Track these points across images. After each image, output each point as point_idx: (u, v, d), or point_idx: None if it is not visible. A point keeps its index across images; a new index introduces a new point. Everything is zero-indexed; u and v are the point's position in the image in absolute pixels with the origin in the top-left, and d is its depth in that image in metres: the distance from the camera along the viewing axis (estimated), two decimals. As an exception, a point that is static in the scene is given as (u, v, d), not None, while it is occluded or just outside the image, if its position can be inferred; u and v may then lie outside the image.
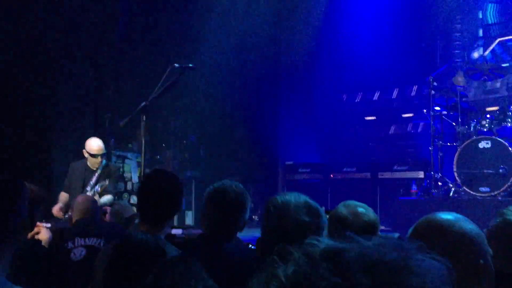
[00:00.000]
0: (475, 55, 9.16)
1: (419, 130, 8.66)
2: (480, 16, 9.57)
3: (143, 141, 4.04)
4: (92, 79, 7.68)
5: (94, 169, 5.33)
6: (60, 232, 3.68)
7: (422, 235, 1.36)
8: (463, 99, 6.63)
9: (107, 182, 5.16)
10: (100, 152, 5.32)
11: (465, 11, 9.32)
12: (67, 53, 7.24)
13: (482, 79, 6.62)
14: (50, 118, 7.06)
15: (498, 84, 7.77)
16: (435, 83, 6.59)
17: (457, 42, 9.35)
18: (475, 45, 9.16)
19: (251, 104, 8.93)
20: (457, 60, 6.79)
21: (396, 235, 2.52)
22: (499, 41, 8.46)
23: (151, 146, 7.45)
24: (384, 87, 9.47)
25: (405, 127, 9.06)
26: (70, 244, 3.36)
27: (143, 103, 3.95)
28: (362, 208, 2.10)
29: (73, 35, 7.20)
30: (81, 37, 7.29)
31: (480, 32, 9.61)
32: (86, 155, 5.34)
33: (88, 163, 5.36)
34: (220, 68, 8.60)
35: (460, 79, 6.52)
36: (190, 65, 4.14)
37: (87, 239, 3.36)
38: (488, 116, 6.32)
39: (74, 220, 3.75)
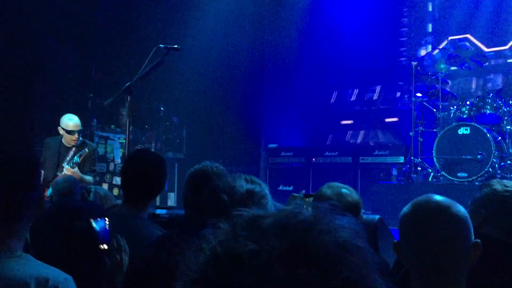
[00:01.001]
0: (422, 52, 9.15)
1: (400, 116, 8.78)
2: (430, 9, 9.44)
3: (128, 121, 4.02)
4: (74, 59, 7.58)
5: (70, 146, 5.16)
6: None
7: (421, 217, 1.41)
8: (444, 86, 6.73)
9: (85, 151, 5.03)
10: (76, 129, 5.12)
11: (412, 3, 9.18)
12: (50, 32, 7.13)
13: (464, 67, 6.71)
14: (32, 97, 6.98)
15: (473, 85, 7.89)
16: (417, 69, 6.68)
17: (404, 39, 9.40)
18: (423, 42, 9.19)
19: (235, 87, 8.92)
20: (440, 48, 6.87)
21: (377, 217, 2.60)
22: (450, 39, 8.53)
23: (134, 127, 7.42)
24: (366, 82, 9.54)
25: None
26: None
27: (128, 83, 3.93)
28: (345, 189, 2.15)
29: (56, 14, 7.09)
30: (64, 16, 7.18)
31: (430, 27, 9.48)
32: (61, 132, 5.15)
33: (63, 140, 5.17)
34: (204, 51, 8.55)
35: (442, 66, 6.60)
36: (176, 46, 4.13)
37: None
38: (468, 103, 6.44)
39: (53, 200, 3.71)
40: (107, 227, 1.68)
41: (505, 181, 2.27)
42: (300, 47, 9.32)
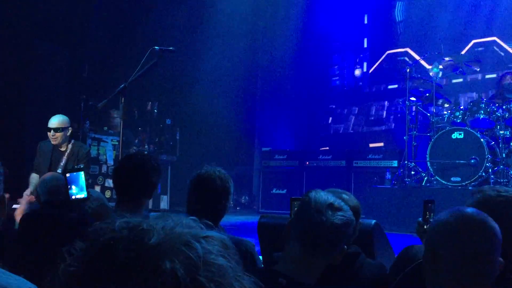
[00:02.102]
0: (357, 72, 9.15)
1: (394, 120, 8.80)
2: (366, 22, 9.37)
3: (121, 123, 3.99)
4: (67, 61, 7.53)
5: (63, 148, 5.05)
6: (23, 219, 3.52)
7: (464, 228, 1.47)
8: (438, 90, 6.74)
9: (81, 166, 4.95)
10: (54, 126, 4.96)
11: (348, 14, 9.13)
12: (41, 33, 7.07)
13: (458, 72, 6.73)
14: (24, 99, 6.92)
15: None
16: (412, 73, 6.70)
17: (336, 55, 9.41)
18: (357, 60, 9.19)
19: (229, 90, 8.91)
20: (433, 52, 6.88)
21: (373, 221, 2.59)
22: (388, 54, 8.55)
23: (127, 129, 7.37)
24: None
25: (381, 117, 9.20)
26: None
27: (122, 85, 3.90)
28: (345, 195, 2.15)
29: (48, 15, 7.03)
30: (56, 17, 7.12)
31: (365, 42, 9.41)
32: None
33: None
34: (198, 53, 8.54)
35: (435, 70, 6.61)
36: (170, 48, 4.10)
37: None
38: (461, 107, 6.46)
39: (41, 201, 3.62)
40: None
41: (497, 187, 2.29)
42: (294, 51, 9.32)
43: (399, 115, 8.24)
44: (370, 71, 9.45)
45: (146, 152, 7.92)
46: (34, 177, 5.03)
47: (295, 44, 9.27)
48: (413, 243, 2.50)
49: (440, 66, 6.53)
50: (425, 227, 2.16)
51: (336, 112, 9.87)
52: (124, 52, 7.36)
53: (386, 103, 9.44)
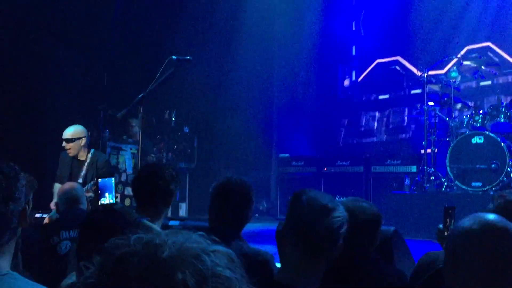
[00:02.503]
0: (346, 82, 9.04)
1: (413, 124, 8.73)
2: (354, 28, 9.26)
3: (141, 133, 4.04)
4: (86, 70, 7.64)
5: (82, 158, 5.10)
6: (44, 227, 3.58)
7: (489, 235, 1.48)
8: (457, 95, 6.68)
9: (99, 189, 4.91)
10: (65, 137, 4.99)
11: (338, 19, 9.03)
12: (61, 43, 7.20)
13: (476, 76, 6.66)
14: (44, 108, 7.03)
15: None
16: (430, 78, 6.65)
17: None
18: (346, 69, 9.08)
19: (246, 97, 8.94)
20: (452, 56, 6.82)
21: (392, 228, 2.58)
22: (378, 63, 8.43)
23: (145, 137, 7.44)
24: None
25: (400, 121, 9.12)
26: (55, 239, 3.28)
27: (141, 95, 3.95)
28: (366, 203, 2.16)
29: (68, 24, 7.16)
30: (76, 27, 7.25)
31: (354, 50, 9.27)
32: None
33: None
34: (215, 61, 8.60)
35: (454, 75, 6.56)
36: (187, 57, 4.14)
37: (71, 231, 3.26)
38: (481, 111, 6.39)
39: (59, 210, 3.66)
40: None
41: None
42: (310, 57, 9.32)
43: (420, 120, 8.14)
44: (359, 79, 9.41)
45: (164, 161, 7.99)
46: (57, 187, 5.09)
47: (311, 50, 9.27)
48: (433, 249, 2.48)
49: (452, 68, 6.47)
50: (446, 233, 2.15)
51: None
52: (143, 61, 7.45)
53: (377, 113, 9.42)
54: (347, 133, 9.66)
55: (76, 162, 5.14)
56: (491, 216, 1.53)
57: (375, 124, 9.29)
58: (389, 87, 9.17)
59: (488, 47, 6.96)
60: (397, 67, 8.79)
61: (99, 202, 3.19)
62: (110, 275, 0.64)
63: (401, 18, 8.58)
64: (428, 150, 6.67)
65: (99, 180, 3.04)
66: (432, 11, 8.23)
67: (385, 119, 9.20)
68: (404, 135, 9.02)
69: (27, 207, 1.52)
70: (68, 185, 3.77)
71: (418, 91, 8.63)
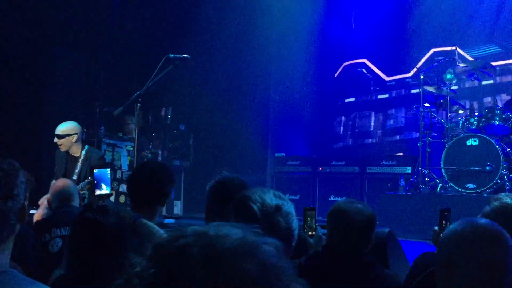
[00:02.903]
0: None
1: (408, 126, 8.76)
2: (353, 27, 9.37)
3: (137, 130, 4.03)
4: (83, 67, 7.63)
5: (74, 154, 5.08)
6: (36, 225, 3.56)
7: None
8: (452, 97, 6.71)
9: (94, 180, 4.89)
10: (56, 133, 4.97)
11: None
12: (59, 39, 7.18)
13: (472, 78, 6.69)
14: (40, 105, 7.01)
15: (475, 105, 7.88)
16: (426, 80, 6.68)
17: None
18: None
19: (242, 95, 8.94)
20: (448, 58, 6.86)
21: (387, 230, 2.58)
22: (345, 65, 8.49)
23: (141, 135, 7.43)
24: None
25: (395, 123, 9.16)
26: (47, 237, 3.25)
27: (138, 92, 3.95)
28: (360, 204, 2.17)
29: (65, 22, 7.13)
30: (73, 24, 7.23)
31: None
32: None
33: (70, 150, 5.08)
34: (212, 59, 8.59)
35: (450, 77, 6.58)
36: (185, 55, 4.14)
37: (62, 229, 3.24)
38: (476, 114, 6.42)
39: (52, 207, 3.63)
40: None
41: None
42: (307, 57, 9.33)
43: (415, 121, 8.20)
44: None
45: (160, 158, 7.98)
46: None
47: (308, 50, 9.29)
48: (428, 250, 2.49)
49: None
50: (441, 235, 2.17)
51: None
52: (140, 59, 7.44)
53: (343, 118, 9.52)
54: (344, 133, 9.70)
55: (70, 159, 5.13)
56: (483, 221, 1.55)
57: (372, 124, 9.34)
58: (356, 90, 9.32)
59: (455, 51, 7.05)
60: (364, 70, 8.93)
61: (95, 193, 3.19)
62: (170, 267, 0.65)
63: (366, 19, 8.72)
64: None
65: (95, 170, 3.04)
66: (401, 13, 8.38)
67: (381, 118, 9.24)
68: (399, 136, 9.06)
69: (26, 204, 1.51)
70: (61, 182, 3.73)
71: (385, 95, 8.76)
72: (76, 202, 3.61)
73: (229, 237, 0.67)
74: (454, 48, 6.97)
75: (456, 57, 6.86)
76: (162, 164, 2.82)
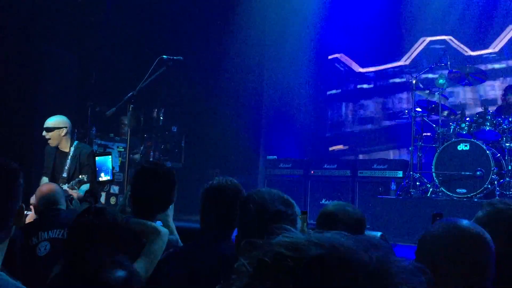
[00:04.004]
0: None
1: (400, 130, 8.80)
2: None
3: (129, 131, 4.02)
4: (75, 67, 7.59)
5: (65, 150, 5.01)
6: (24, 228, 3.51)
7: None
8: (444, 102, 6.75)
9: (85, 178, 4.85)
10: (45, 125, 4.90)
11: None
12: (51, 39, 7.14)
13: (464, 83, 6.74)
14: (31, 105, 6.97)
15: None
16: (419, 85, 6.71)
17: None
18: None
19: (234, 97, 8.94)
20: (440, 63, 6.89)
21: (379, 234, 2.59)
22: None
23: (133, 135, 7.40)
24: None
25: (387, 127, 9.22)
26: (34, 240, 3.21)
27: (131, 93, 3.93)
28: (349, 207, 2.17)
29: (57, 21, 7.10)
30: (66, 23, 7.19)
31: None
32: None
33: (59, 147, 5.04)
34: (204, 61, 8.58)
35: (441, 82, 6.62)
36: (178, 57, 4.14)
37: (50, 232, 3.19)
38: (467, 119, 6.46)
39: (38, 210, 3.58)
40: None
41: (507, 200, 2.33)
42: (300, 57, 9.35)
43: (407, 125, 8.25)
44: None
45: (151, 159, 7.95)
46: (43, 181, 5.02)
47: (301, 52, 9.31)
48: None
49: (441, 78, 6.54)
50: (421, 237, 2.18)
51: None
52: (132, 59, 7.42)
53: (329, 112, 9.65)
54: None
55: (59, 154, 5.05)
56: (464, 222, 1.56)
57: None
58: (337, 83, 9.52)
59: (447, 41, 7.19)
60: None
61: (97, 179, 3.17)
62: (308, 278, 0.60)
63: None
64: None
65: (96, 158, 3.03)
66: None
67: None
68: (391, 141, 9.10)
69: (23, 206, 1.51)
70: (46, 187, 3.65)
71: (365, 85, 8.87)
72: (62, 205, 3.55)
73: (364, 254, 0.62)
74: (448, 37, 7.03)
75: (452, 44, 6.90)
76: (168, 168, 2.74)
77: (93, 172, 5.05)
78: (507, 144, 6.12)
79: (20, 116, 6.74)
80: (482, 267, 1.47)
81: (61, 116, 5.05)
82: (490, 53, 8.26)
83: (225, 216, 2.23)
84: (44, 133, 4.93)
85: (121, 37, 7.93)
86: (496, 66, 8.22)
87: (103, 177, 2.90)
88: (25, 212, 3.71)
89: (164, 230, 2.45)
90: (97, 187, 2.98)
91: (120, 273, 1.75)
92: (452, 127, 6.49)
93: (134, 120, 4.13)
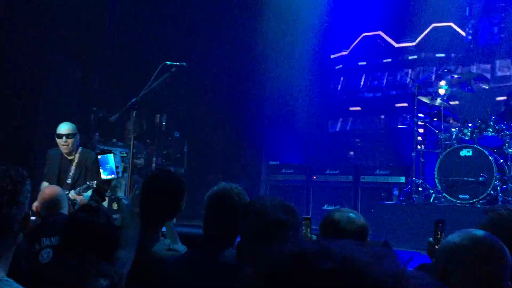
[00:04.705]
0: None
1: (402, 136, 8.80)
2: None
3: (133, 137, 4.02)
4: (78, 73, 7.62)
5: (70, 156, 4.99)
6: (26, 233, 3.47)
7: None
8: (446, 108, 6.75)
9: (94, 184, 4.83)
10: (65, 132, 4.89)
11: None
12: (54, 46, 7.17)
13: (466, 89, 6.73)
14: (35, 110, 6.99)
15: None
16: (420, 90, 6.72)
17: None
18: None
19: (237, 103, 8.95)
20: (442, 69, 6.90)
21: (382, 240, 2.58)
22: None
23: (136, 141, 7.40)
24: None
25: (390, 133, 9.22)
26: (36, 246, 3.15)
27: (134, 99, 3.94)
28: (353, 214, 2.17)
29: (60, 28, 7.13)
30: (69, 30, 7.22)
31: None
32: (56, 140, 4.96)
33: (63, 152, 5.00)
34: (207, 67, 8.61)
35: (444, 88, 6.62)
36: (182, 63, 4.15)
37: (52, 238, 3.13)
38: (470, 125, 6.46)
39: (41, 215, 3.48)
40: None
41: (509, 206, 2.35)
42: (303, 64, 9.37)
43: (409, 131, 8.27)
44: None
45: (154, 165, 7.96)
46: (44, 186, 4.99)
47: (303, 57, 9.33)
48: (422, 260, 2.50)
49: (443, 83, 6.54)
50: (436, 247, 2.18)
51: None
52: (135, 65, 7.44)
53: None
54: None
55: (65, 161, 5.04)
56: (480, 233, 1.56)
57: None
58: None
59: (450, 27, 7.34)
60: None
61: (101, 177, 3.17)
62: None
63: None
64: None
65: (99, 156, 3.03)
66: None
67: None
68: (393, 145, 9.10)
69: (30, 212, 1.51)
70: (49, 190, 3.63)
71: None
72: (65, 210, 3.52)
73: (378, 267, 0.60)
74: (450, 24, 7.10)
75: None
76: (177, 177, 2.73)
77: (98, 173, 5.05)
78: (510, 150, 6.11)
79: (23, 122, 6.76)
80: (494, 279, 1.47)
81: (71, 122, 5.08)
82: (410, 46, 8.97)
83: (228, 224, 2.23)
84: (64, 139, 4.92)
85: (124, 43, 7.96)
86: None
87: (107, 176, 2.89)
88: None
89: (125, 203, 2.53)
90: (102, 186, 2.95)
91: (104, 282, 1.80)
92: (454, 133, 6.49)
93: (138, 125, 4.13)
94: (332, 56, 9.94)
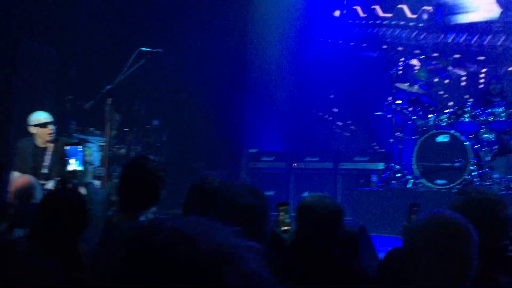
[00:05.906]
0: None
1: (380, 122, 8.86)
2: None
3: (109, 125, 3.97)
4: (54, 60, 7.47)
5: (44, 145, 4.90)
6: None
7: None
8: (424, 94, 6.81)
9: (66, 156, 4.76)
10: (49, 120, 4.85)
11: None
12: (29, 32, 7.01)
13: (443, 76, 6.80)
14: (10, 98, 6.84)
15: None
16: (398, 76, 6.76)
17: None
18: None
19: (216, 90, 8.89)
20: (420, 56, 6.96)
21: (358, 226, 2.62)
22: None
23: (114, 129, 7.31)
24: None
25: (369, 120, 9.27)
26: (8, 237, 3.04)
27: (109, 86, 3.89)
28: (327, 199, 2.18)
29: (36, 14, 6.98)
30: (44, 16, 7.07)
31: None
32: (34, 130, 4.86)
33: (38, 139, 4.89)
34: (186, 53, 8.52)
35: (422, 74, 6.69)
36: (157, 49, 4.10)
37: (27, 230, 3.17)
38: (446, 111, 6.54)
39: (13, 205, 3.50)
40: None
41: (480, 188, 2.39)
42: (283, 51, 9.34)
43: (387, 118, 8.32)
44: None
45: (134, 154, 7.88)
46: (15, 176, 4.89)
47: (286, 43, 9.30)
48: (399, 245, 2.52)
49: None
50: (406, 228, 2.21)
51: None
52: (112, 52, 7.32)
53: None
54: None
55: (39, 151, 4.95)
56: (448, 213, 1.58)
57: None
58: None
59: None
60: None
61: (66, 169, 3.11)
62: (139, 264, 0.61)
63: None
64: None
65: (66, 147, 2.97)
66: None
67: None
68: (372, 132, 9.16)
69: (5, 202, 1.49)
70: (21, 179, 3.58)
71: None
72: (37, 199, 3.49)
73: (207, 240, 0.63)
74: None
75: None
76: (156, 163, 2.69)
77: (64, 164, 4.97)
78: (485, 136, 6.21)
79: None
80: (464, 259, 1.48)
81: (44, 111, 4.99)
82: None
83: (204, 212, 2.22)
84: (51, 127, 4.83)
85: (100, 30, 7.82)
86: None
87: (73, 166, 2.83)
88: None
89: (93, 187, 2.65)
90: (68, 177, 2.90)
91: None
92: (431, 119, 6.56)
93: (114, 113, 4.08)
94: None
